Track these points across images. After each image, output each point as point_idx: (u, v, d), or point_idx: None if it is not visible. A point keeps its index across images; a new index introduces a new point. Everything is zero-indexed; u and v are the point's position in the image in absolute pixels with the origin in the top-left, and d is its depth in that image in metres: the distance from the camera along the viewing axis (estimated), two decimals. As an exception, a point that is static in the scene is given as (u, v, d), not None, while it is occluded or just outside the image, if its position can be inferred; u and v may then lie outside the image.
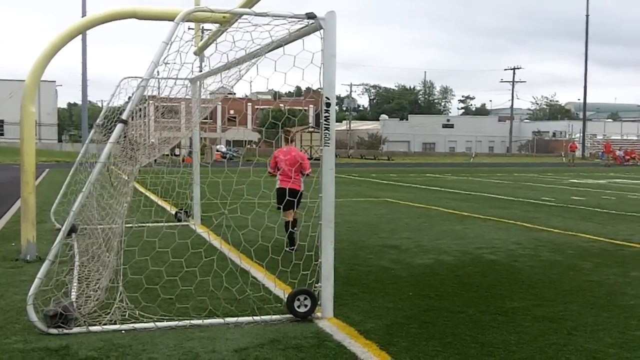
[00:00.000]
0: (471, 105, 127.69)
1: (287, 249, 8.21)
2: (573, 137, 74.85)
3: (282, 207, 8.31)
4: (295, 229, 8.83)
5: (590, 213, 15.21)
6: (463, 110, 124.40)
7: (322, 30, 5.72)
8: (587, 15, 67.87)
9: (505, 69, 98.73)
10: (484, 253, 9.57)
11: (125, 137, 5.67)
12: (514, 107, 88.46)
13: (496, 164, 51.15)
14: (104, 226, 6.91)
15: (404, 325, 5.81)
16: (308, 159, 9.11)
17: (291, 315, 5.90)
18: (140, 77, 5.86)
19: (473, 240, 10.81)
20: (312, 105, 74.63)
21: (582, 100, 70.92)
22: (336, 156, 6.16)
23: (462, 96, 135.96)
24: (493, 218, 13.96)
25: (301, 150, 9.05)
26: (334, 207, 5.98)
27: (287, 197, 8.54)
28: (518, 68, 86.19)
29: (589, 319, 6.10)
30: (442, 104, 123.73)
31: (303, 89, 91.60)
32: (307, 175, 8.96)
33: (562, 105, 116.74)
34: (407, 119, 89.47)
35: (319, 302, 5.98)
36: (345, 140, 72.03)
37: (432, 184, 25.32)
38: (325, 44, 5.69)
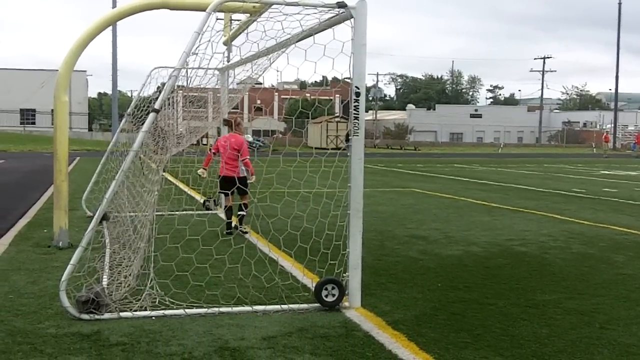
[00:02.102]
0: (500, 95, 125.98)
1: (226, 232, 8.86)
2: (604, 127, 73.50)
3: (223, 193, 8.64)
4: (241, 212, 9.12)
5: (622, 205, 14.90)
6: (491, 100, 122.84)
7: (352, 19, 5.67)
8: (620, 3, 66.44)
9: (535, 58, 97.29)
10: (513, 245, 9.46)
11: (156, 126, 5.69)
12: (544, 96, 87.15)
13: (525, 155, 50.55)
14: (135, 214, 6.98)
15: (432, 316, 5.77)
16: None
17: (319, 305, 5.89)
18: (171, 67, 5.88)
19: (502, 231, 10.68)
20: (339, 95, 74.52)
21: (613, 90, 69.55)
22: (364, 146, 6.12)
23: (491, 85, 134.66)
24: (523, 209, 13.78)
25: (245, 139, 9.17)
26: (362, 197, 5.97)
27: (225, 183, 8.88)
28: (548, 57, 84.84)
29: (622, 313, 5.99)
30: (470, 93, 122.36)
31: (329, 78, 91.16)
32: (244, 161, 9.12)
33: (593, 95, 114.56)
34: (434, 109, 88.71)
35: (346, 292, 5.97)
36: (371, 130, 71.66)
37: (459, 175, 25.11)
38: (356, 33, 5.65)
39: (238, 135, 9.30)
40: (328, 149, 52.33)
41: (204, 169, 9.44)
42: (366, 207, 6.95)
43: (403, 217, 12.40)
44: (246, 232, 9.13)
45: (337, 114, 64.42)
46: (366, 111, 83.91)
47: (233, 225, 9.25)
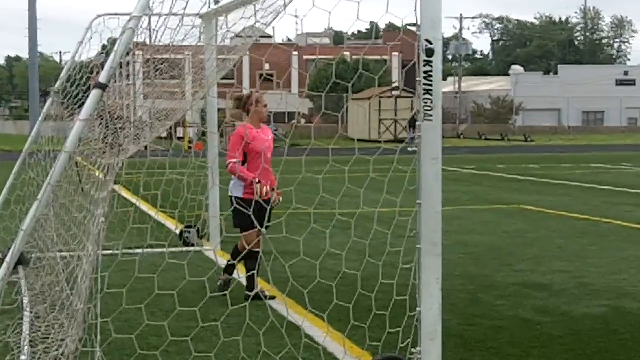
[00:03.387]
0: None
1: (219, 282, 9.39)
2: None
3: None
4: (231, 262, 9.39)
5: None
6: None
7: None
8: None
9: None
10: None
11: (103, 110, 5.74)
12: None
13: None
14: (70, 254, 7.01)
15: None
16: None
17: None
18: (125, 15, 5.91)
19: (675, 275, 10.68)
20: (398, 54, 74.54)
21: None
22: (442, 137, 6.17)
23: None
24: None
25: (242, 127, 9.20)
26: (440, 221, 6.01)
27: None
28: None
29: None
30: (616, 46, 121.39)
31: (382, 27, 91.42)
32: (227, 166, 9.17)
33: None
34: (555, 73, 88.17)
35: (418, 380, 5.97)
36: (453, 110, 71.61)
37: (599, 181, 25.12)
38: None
39: (244, 124, 9.33)
40: (381, 143, 51.77)
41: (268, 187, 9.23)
42: (448, 236, 6.95)
43: (508, 252, 12.47)
44: (261, 294, 9.11)
45: (396, 85, 64.46)
46: (444, 79, 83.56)
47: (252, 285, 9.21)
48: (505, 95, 75.37)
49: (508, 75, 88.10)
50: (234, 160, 9.00)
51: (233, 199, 9.08)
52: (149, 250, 11.05)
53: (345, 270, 7.77)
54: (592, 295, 9.53)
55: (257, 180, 8.92)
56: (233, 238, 9.77)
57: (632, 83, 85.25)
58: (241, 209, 8.42)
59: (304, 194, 8.57)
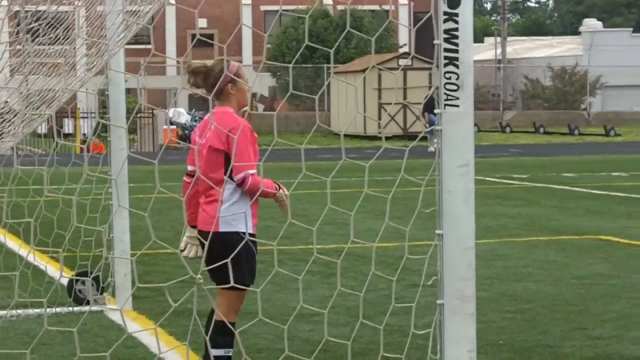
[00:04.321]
0: None
1: None
2: None
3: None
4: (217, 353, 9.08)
5: None
6: None
7: None
8: None
9: None
10: None
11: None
12: None
13: None
14: None
15: None
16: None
17: None
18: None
19: None
20: (406, 1, 74.65)
21: None
22: (476, 128, 5.77)
23: None
24: None
25: (244, 115, 9.19)
26: (473, 263, 5.99)
27: (204, 254, 8.78)
28: None
29: None
30: None
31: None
32: (242, 183, 8.94)
33: None
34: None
35: None
36: (493, 89, 71.60)
37: None
38: None
39: (227, 110, 9.22)
40: (381, 140, 51.68)
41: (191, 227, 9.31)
42: (486, 286, 6.68)
43: (580, 309, 12.41)
44: None
45: (404, 51, 64.44)
46: (479, 40, 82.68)
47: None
48: (574, 66, 74.56)
49: (578, 34, 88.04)
50: (254, 170, 8.88)
51: (237, 236, 8.81)
52: (19, 311, 11.09)
53: (329, 339, 7.60)
54: None
55: (285, 192, 8.94)
56: (150, 292, 9.45)
57: None
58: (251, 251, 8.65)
59: (264, 221, 8.30)
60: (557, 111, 67.22)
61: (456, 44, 5.84)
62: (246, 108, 9.25)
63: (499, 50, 78.08)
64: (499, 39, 79.59)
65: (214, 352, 8.75)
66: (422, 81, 54.06)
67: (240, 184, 8.80)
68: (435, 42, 5.85)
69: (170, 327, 10.76)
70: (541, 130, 61.56)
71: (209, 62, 9.30)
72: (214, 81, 8.92)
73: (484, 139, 50.60)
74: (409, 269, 7.34)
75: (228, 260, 8.06)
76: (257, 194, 8.79)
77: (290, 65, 7.85)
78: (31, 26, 8.94)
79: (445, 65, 5.84)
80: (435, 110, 5.91)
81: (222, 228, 8.84)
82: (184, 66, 8.89)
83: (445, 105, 5.84)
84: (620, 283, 13.97)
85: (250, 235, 8.83)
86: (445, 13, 5.82)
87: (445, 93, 5.83)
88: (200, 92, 8.90)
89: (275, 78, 69.37)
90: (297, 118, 55.42)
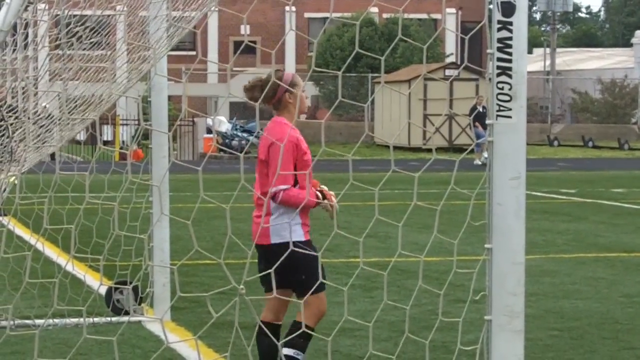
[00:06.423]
0: None
1: None
2: None
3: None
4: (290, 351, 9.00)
5: None
6: None
7: None
8: None
9: None
10: None
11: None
12: None
13: None
14: None
15: None
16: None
17: None
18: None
19: None
20: (454, 10, 74.52)
21: None
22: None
23: None
24: None
25: (291, 126, 9.26)
26: (523, 279, 5.99)
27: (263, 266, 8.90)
28: None
29: None
30: None
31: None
32: (275, 197, 9.00)
33: None
34: None
35: None
36: (541, 102, 71.30)
37: None
38: None
39: (281, 121, 9.38)
40: (424, 151, 51.82)
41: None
42: (534, 303, 6.64)
43: (629, 327, 12.40)
44: None
45: (452, 61, 64.23)
46: (529, 51, 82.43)
47: None
48: (624, 78, 74.12)
49: (630, 46, 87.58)
50: (287, 186, 8.96)
51: (289, 246, 8.55)
52: (57, 320, 11.09)
53: (374, 353, 7.50)
54: None
55: (330, 201, 9.06)
56: (188, 302, 9.44)
57: None
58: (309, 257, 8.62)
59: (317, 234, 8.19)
60: (607, 125, 66.73)
61: (510, 54, 5.86)
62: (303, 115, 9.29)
63: (547, 62, 77.69)
64: (548, 50, 79.23)
65: (285, 350, 8.81)
66: (468, 92, 53.85)
67: (272, 198, 8.90)
68: (488, 51, 5.86)
69: (209, 339, 10.77)
70: (590, 144, 60.99)
71: (263, 75, 9.39)
72: (272, 92, 9.07)
73: (531, 153, 50.32)
74: (453, 284, 7.29)
75: (273, 268, 8.04)
76: (297, 207, 8.82)
77: (340, 73, 7.78)
78: (73, 30, 8.92)
79: (498, 75, 5.86)
80: (487, 121, 5.92)
81: (274, 240, 8.96)
82: (229, 73, 8.93)
83: (498, 116, 5.86)
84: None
85: (304, 242, 8.88)
86: (499, 22, 5.84)
87: (497, 104, 5.86)
88: (259, 105, 8.86)
89: (318, 87, 69.39)
90: (340, 128, 55.34)
